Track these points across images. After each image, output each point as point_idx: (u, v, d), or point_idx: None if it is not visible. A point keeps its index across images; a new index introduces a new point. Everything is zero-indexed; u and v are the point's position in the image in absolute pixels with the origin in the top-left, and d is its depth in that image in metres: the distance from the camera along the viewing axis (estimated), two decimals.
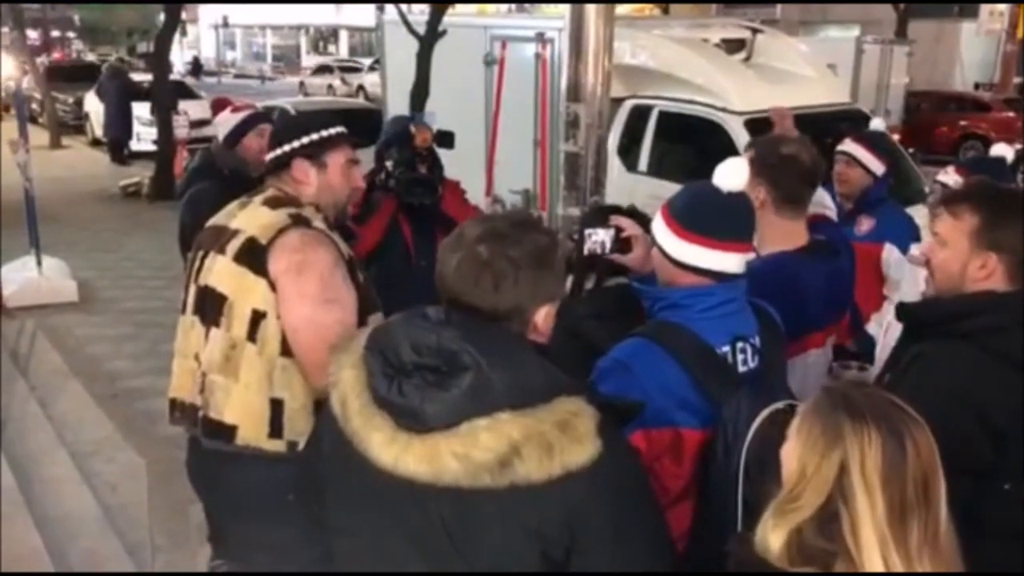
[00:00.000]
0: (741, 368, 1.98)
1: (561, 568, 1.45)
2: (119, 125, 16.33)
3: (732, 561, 1.42)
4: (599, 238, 2.22)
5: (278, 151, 2.47)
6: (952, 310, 2.02)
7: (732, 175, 2.00)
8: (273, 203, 2.40)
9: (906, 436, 1.33)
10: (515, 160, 7.66)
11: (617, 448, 1.49)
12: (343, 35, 37.80)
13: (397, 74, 9.24)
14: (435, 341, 1.45)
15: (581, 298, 2.35)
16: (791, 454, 1.39)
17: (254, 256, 2.29)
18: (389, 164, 3.59)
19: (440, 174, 3.76)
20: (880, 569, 1.27)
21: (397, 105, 8.83)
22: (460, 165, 7.69)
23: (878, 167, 4.04)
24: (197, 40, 41.64)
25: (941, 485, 1.34)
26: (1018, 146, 13.71)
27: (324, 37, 39.06)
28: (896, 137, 14.24)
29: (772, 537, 1.36)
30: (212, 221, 2.50)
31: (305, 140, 2.45)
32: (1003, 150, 3.75)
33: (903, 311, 2.17)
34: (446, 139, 3.99)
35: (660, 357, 1.92)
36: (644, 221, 2.29)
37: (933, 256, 2.09)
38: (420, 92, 8.61)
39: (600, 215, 2.35)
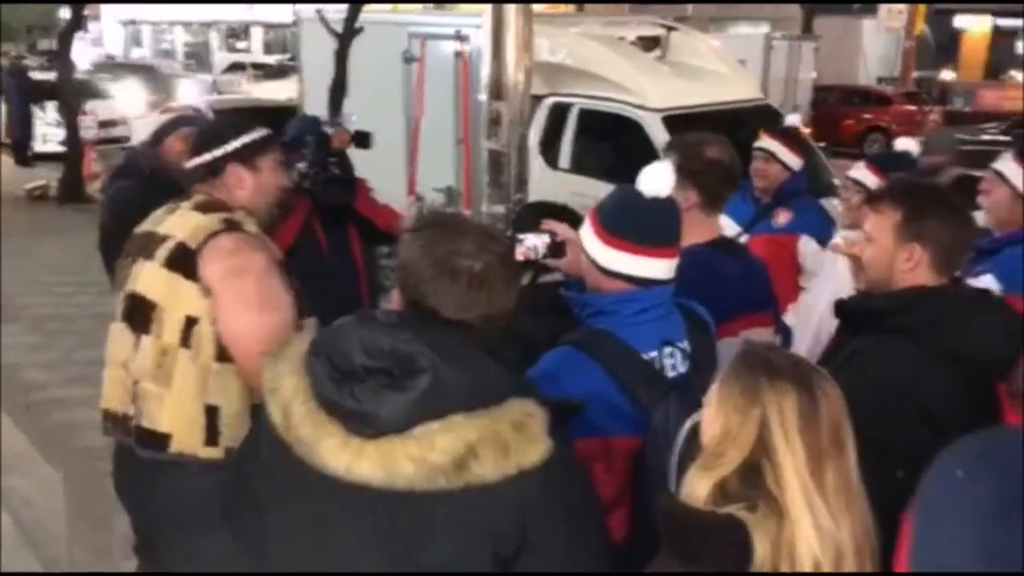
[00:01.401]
0: (670, 373, 2.00)
1: (510, 566, 1.47)
2: (21, 126, 15.71)
3: (660, 513, 1.47)
4: (532, 243, 2.22)
5: (207, 156, 2.41)
6: (885, 306, 2.09)
7: (658, 181, 2.01)
8: (204, 208, 2.35)
9: (817, 389, 1.42)
10: (437, 158, 7.65)
11: (565, 446, 1.52)
12: (256, 32, 37.02)
13: (314, 72, 9.12)
14: (389, 344, 1.45)
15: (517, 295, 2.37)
16: (713, 418, 1.46)
17: (185, 261, 2.25)
18: (302, 165, 3.55)
19: (352, 174, 3.76)
20: (804, 510, 1.37)
21: (315, 103, 8.71)
22: (381, 164, 7.67)
23: (795, 161, 4.16)
24: (102, 37, 40.30)
25: (850, 434, 1.43)
26: (919, 138, 14.21)
27: (236, 34, 38.20)
28: (807, 131, 14.71)
29: (698, 487, 1.42)
30: (140, 227, 2.44)
31: (238, 144, 2.41)
32: (907, 144, 3.90)
33: (840, 307, 2.24)
34: (363, 140, 3.98)
35: (588, 366, 1.93)
36: (576, 220, 2.32)
37: (862, 253, 2.17)
38: (338, 90, 8.52)
39: (531, 215, 2.37)
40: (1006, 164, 2.91)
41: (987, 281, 2.66)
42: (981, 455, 0.82)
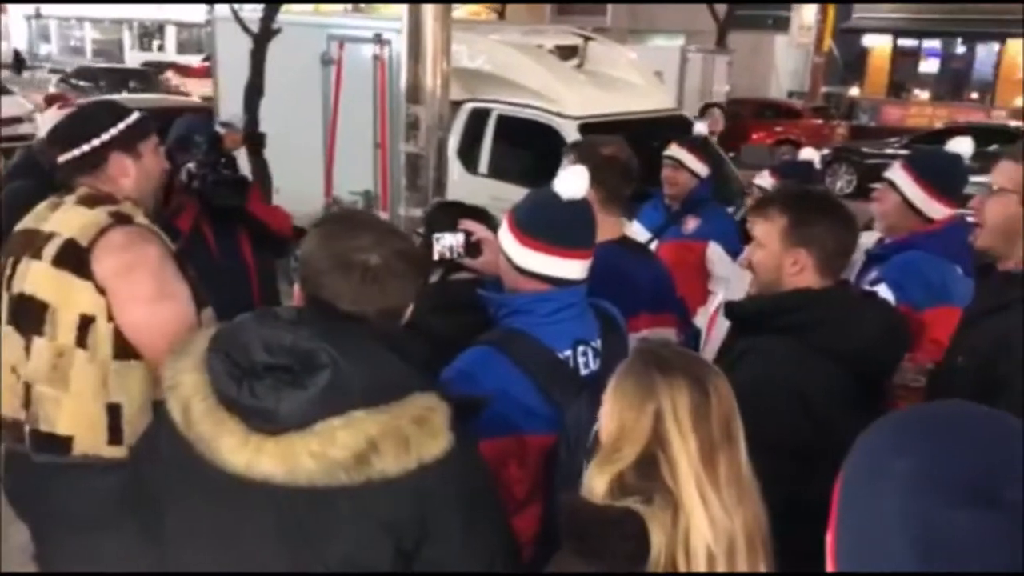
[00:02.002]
0: (583, 371, 2.05)
1: (411, 559, 1.48)
2: None
3: (559, 510, 1.50)
4: (448, 242, 2.24)
5: (85, 147, 2.29)
6: (771, 307, 2.18)
7: (573, 183, 2.06)
8: (89, 202, 2.26)
9: (709, 384, 1.48)
10: (355, 161, 7.60)
11: (467, 441, 1.54)
12: (170, 31, 36.14)
13: (229, 73, 8.96)
14: (290, 340, 1.44)
15: (426, 292, 2.38)
16: (609, 415, 1.51)
17: (76, 259, 2.17)
18: (192, 166, 3.49)
19: (243, 176, 3.72)
20: (697, 501, 1.42)
21: (230, 104, 8.56)
22: (298, 166, 7.63)
23: (702, 170, 4.29)
24: (7, 31, 38.78)
25: (740, 427, 1.49)
26: (825, 151, 14.67)
27: (149, 32, 37.22)
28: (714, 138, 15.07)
29: (596, 483, 1.47)
30: (21, 225, 2.33)
31: (117, 131, 2.32)
32: (810, 154, 4.08)
33: (729, 309, 2.33)
34: (257, 141, 3.94)
35: (503, 365, 1.97)
36: (492, 222, 2.35)
37: (752, 257, 2.25)
38: (253, 91, 8.38)
39: (446, 214, 2.39)
40: (896, 173, 3.05)
41: (882, 291, 2.80)
42: (907, 429, 0.85)
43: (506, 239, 2.10)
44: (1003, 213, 2.21)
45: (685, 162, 4.27)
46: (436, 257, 2.24)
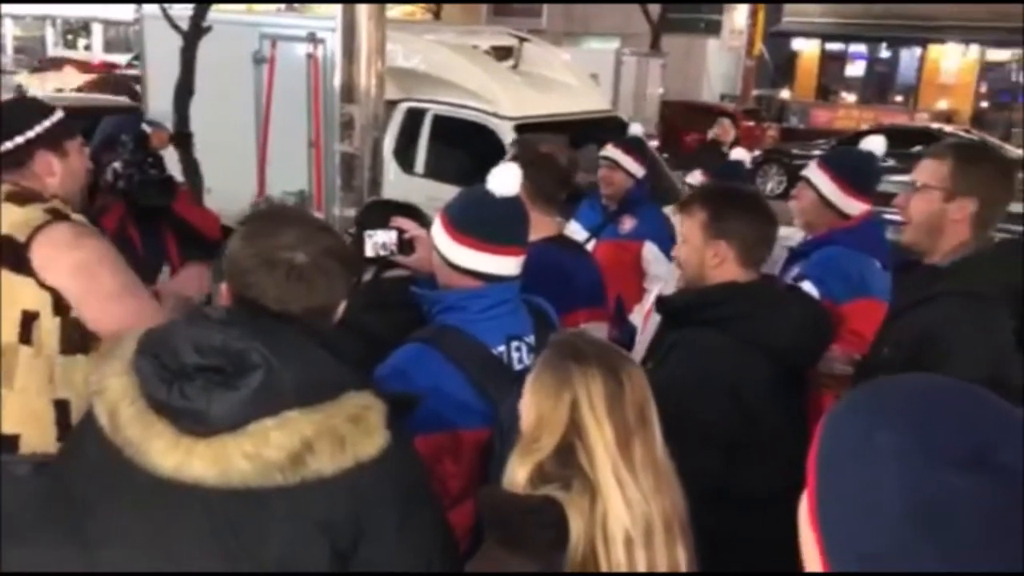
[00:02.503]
0: (517, 367, 2.06)
1: (347, 557, 1.47)
2: None
3: (480, 502, 1.54)
4: (380, 239, 2.23)
5: (9, 144, 2.25)
6: (697, 300, 2.25)
7: (505, 180, 2.07)
8: (18, 199, 2.21)
9: (622, 372, 1.53)
10: (289, 161, 7.51)
11: (402, 439, 1.53)
12: (97, 29, 35.17)
13: (159, 72, 8.76)
14: (220, 341, 1.42)
15: (359, 290, 2.37)
16: (529, 405, 1.54)
17: (12, 256, 2.13)
18: (118, 165, 3.41)
19: (171, 176, 3.65)
20: (614, 486, 1.46)
21: (159, 104, 8.38)
22: (230, 166, 7.49)
23: (638, 170, 4.35)
24: None
25: (655, 413, 1.54)
26: (757, 152, 14.95)
27: (74, 30, 36.19)
28: (654, 144, 15.26)
29: (517, 473, 1.50)
30: None
31: (43, 128, 2.28)
32: (740, 154, 4.16)
33: (659, 304, 2.40)
34: (184, 141, 3.88)
35: (437, 361, 1.98)
36: (424, 219, 2.35)
37: (678, 253, 2.34)
38: (183, 90, 8.21)
39: (378, 212, 2.38)
40: (813, 171, 3.15)
41: (805, 287, 2.88)
42: (888, 402, 0.87)
43: (439, 236, 2.10)
44: (926, 210, 2.28)
45: (621, 162, 4.32)
46: (369, 254, 2.23)
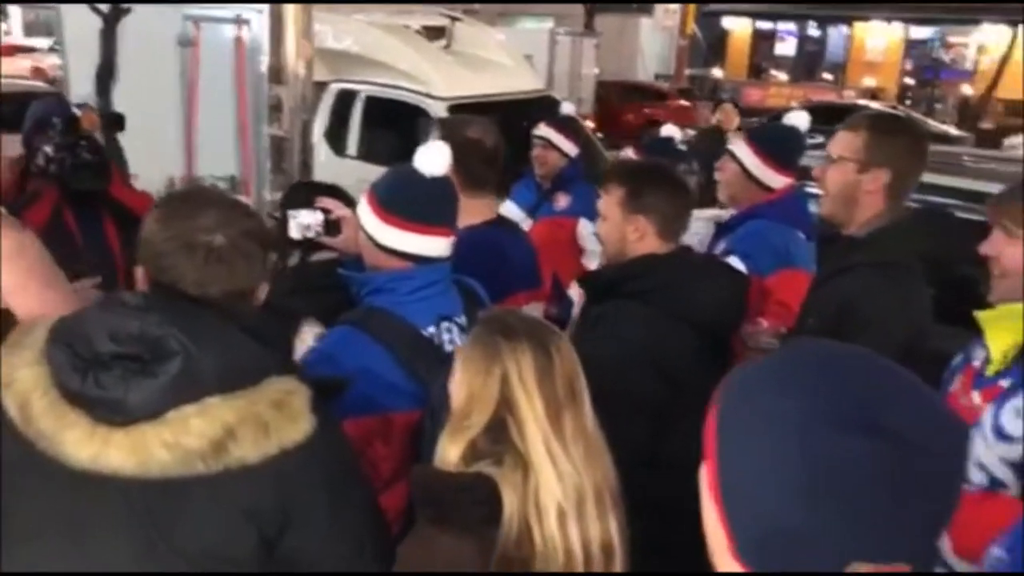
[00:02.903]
0: (448, 347, 2.04)
1: (274, 544, 1.44)
2: None
3: (412, 481, 1.53)
4: (305, 221, 2.19)
5: None
6: (618, 274, 2.28)
7: (433, 160, 2.04)
8: None
9: (551, 346, 1.54)
10: (219, 145, 7.30)
11: (328, 423, 1.51)
12: (15, 11, 33.95)
13: (80, 55, 8.48)
14: (137, 328, 1.37)
15: (285, 274, 2.32)
16: (459, 383, 1.54)
17: None
18: (49, 149, 3.30)
19: (105, 158, 3.55)
20: (545, 458, 1.47)
21: (80, 87, 8.12)
22: (156, 151, 7.29)
23: (571, 148, 4.36)
24: None
25: (584, 386, 1.55)
26: (690, 131, 15.08)
27: None
28: (590, 124, 15.32)
29: (449, 452, 1.51)
30: None
31: None
32: (671, 130, 4.18)
33: (581, 279, 2.43)
34: (116, 122, 3.76)
35: (366, 344, 1.95)
36: (350, 200, 2.31)
37: (600, 229, 2.38)
38: (105, 73, 7.97)
39: (302, 193, 2.33)
40: (736, 144, 3.20)
41: (733, 263, 2.91)
42: (786, 370, 0.88)
43: (366, 217, 2.06)
44: (842, 181, 2.33)
45: (554, 141, 4.32)
46: (294, 236, 2.19)
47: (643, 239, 2.29)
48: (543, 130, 4.36)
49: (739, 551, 0.87)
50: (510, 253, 2.75)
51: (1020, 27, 20.49)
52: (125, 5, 7.76)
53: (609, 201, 2.33)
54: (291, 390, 1.44)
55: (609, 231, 2.35)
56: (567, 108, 5.00)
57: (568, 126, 4.47)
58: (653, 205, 2.28)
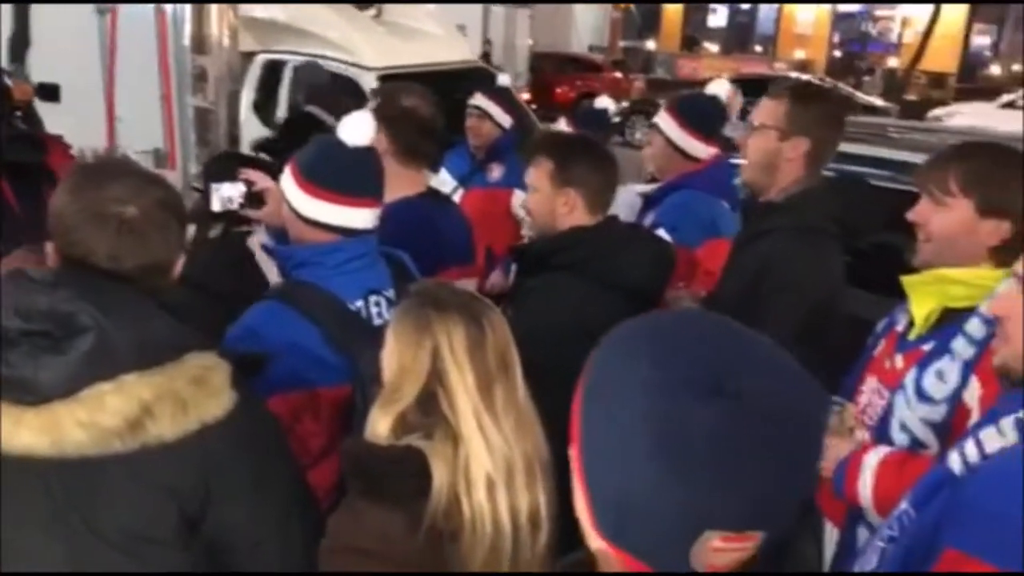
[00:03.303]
0: (376, 321, 2.02)
1: (197, 522, 1.42)
2: None
3: (342, 455, 1.52)
4: (227, 193, 2.14)
5: None
6: (549, 247, 2.29)
7: (357, 130, 2.00)
8: None
9: (483, 318, 1.53)
10: (142, 117, 7.11)
11: (250, 398, 1.49)
12: None
13: None
14: (47, 304, 1.33)
15: (207, 248, 2.26)
16: (390, 355, 1.53)
17: None
18: None
19: (41, 129, 3.43)
20: (475, 430, 1.47)
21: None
22: (76, 124, 7.03)
23: (505, 119, 4.34)
24: None
25: (516, 358, 1.55)
26: (624, 103, 15.09)
27: None
28: (525, 96, 15.27)
29: (379, 425, 1.49)
30: None
31: None
32: (604, 102, 4.18)
33: (513, 252, 2.43)
34: (50, 93, 3.63)
35: (292, 318, 1.92)
36: (273, 171, 2.25)
37: (528, 202, 2.38)
38: (19, 43, 7.66)
39: (225, 165, 2.27)
40: (661, 117, 3.22)
41: (660, 235, 2.93)
42: (636, 339, 0.88)
43: (290, 188, 2.02)
44: (763, 148, 2.37)
45: (489, 111, 4.30)
46: (215, 208, 2.13)
47: (572, 212, 2.31)
48: (478, 99, 4.34)
49: (599, 525, 0.87)
50: (442, 228, 2.72)
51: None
52: None
53: (538, 174, 2.33)
54: (210, 366, 1.42)
55: (538, 203, 2.35)
56: (503, 79, 4.97)
57: (503, 97, 4.45)
58: (582, 178, 2.30)
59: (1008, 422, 1.38)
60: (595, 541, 0.88)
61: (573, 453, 0.90)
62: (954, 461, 1.43)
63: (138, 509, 1.37)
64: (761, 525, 0.82)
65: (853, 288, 2.46)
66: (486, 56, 14.37)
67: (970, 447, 1.41)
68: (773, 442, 0.79)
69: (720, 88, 3.24)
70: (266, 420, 1.57)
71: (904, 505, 1.42)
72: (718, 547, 0.81)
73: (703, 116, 3.17)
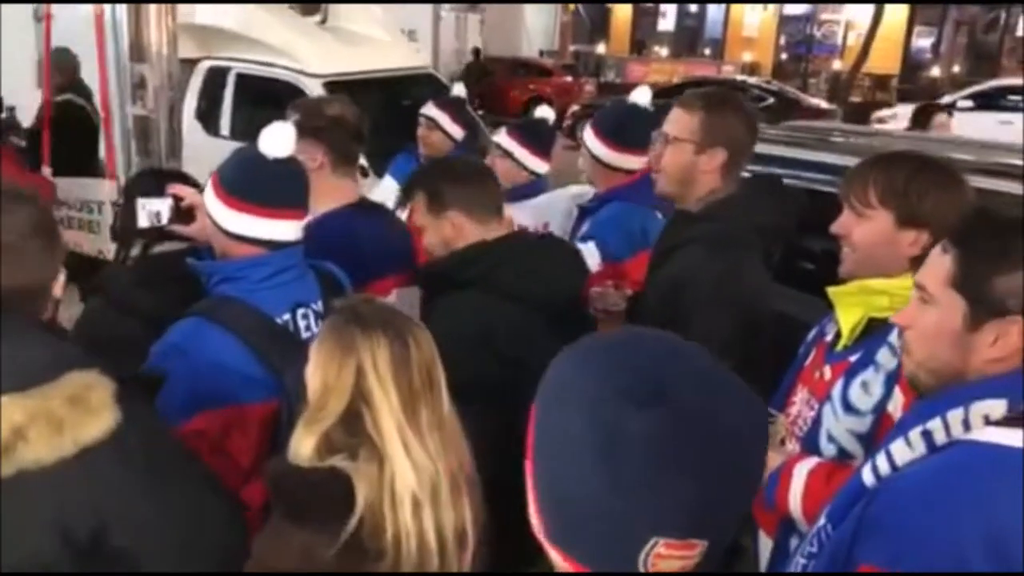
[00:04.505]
0: (304, 334, 2.00)
1: (92, 551, 1.37)
2: None
3: (266, 477, 1.51)
4: (155, 208, 2.10)
5: None
6: (450, 266, 2.23)
7: (278, 141, 1.98)
8: None
9: (408, 335, 1.52)
10: None
11: (139, 414, 1.45)
12: None
13: None
14: None
15: (127, 267, 2.22)
16: (314, 372, 1.51)
17: None
18: None
19: None
20: (400, 449, 1.46)
21: None
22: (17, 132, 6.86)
23: (457, 131, 4.26)
24: None
25: (441, 373, 1.55)
26: (574, 107, 15.09)
27: None
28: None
29: (303, 445, 1.47)
30: None
31: None
32: (545, 112, 4.15)
33: (417, 274, 2.42)
34: None
35: (217, 335, 1.89)
36: (201, 187, 2.22)
37: (424, 243, 2.33)
38: None
39: (150, 180, 2.23)
40: (587, 133, 3.16)
41: (589, 248, 2.92)
42: (584, 355, 0.91)
43: (212, 202, 2.00)
44: (679, 162, 2.35)
45: (439, 122, 4.24)
46: (142, 224, 2.09)
47: (463, 233, 2.24)
48: (429, 109, 4.27)
49: (548, 532, 0.90)
50: (374, 237, 2.69)
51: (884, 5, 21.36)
52: None
53: (417, 210, 2.29)
54: (90, 384, 1.38)
55: (430, 239, 2.29)
56: (458, 90, 4.92)
57: (455, 108, 4.40)
58: (455, 197, 2.24)
59: (915, 434, 1.39)
60: (550, 552, 0.90)
61: (527, 464, 0.92)
62: (867, 474, 1.44)
63: (14, 540, 1.32)
64: (702, 534, 0.84)
65: (785, 287, 2.46)
66: None
67: (881, 460, 1.43)
68: (709, 452, 0.82)
69: (642, 96, 3.20)
70: (159, 435, 1.53)
71: (822, 520, 1.43)
72: (662, 554, 0.83)
73: (623, 129, 3.08)
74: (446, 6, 18.73)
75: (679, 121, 2.34)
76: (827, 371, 1.99)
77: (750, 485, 0.88)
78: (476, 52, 19.59)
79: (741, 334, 2.17)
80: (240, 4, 7.11)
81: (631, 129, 3.06)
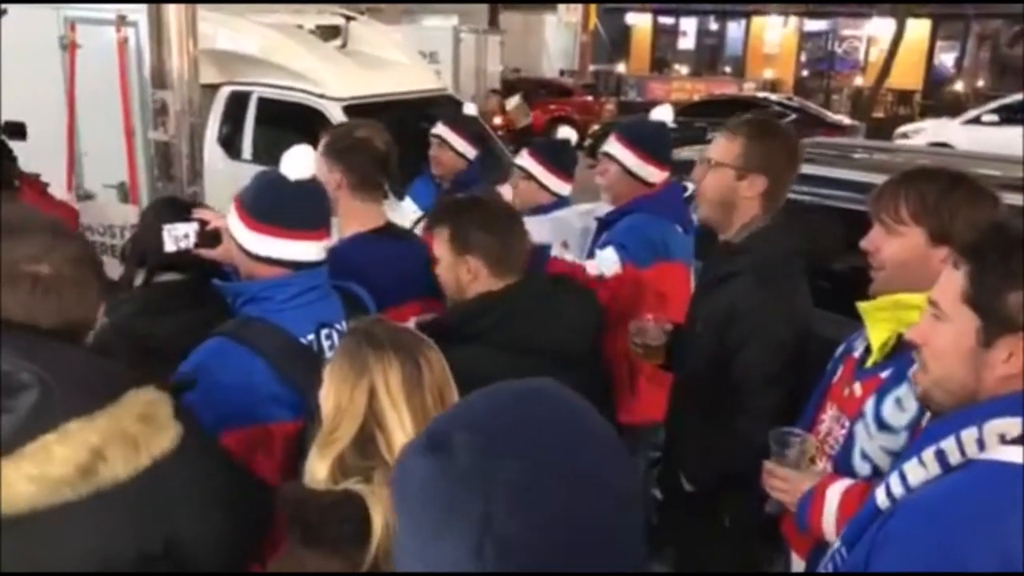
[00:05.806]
0: (329, 354, 1.98)
1: (160, 557, 1.41)
2: None
3: (279, 500, 1.49)
4: (182, 232, 2.12)
5: None
6: (457, 318, 2.21)
7: (299, 163, 2.01)
8: None
9: (420, 356, 1.51)
10: (107, 152, 7.05)
11: (193, 426, 1.50)
12: None
13: None
14: None
15: (130, 295, 2.23)
16: (327, 394, 1.50)
17: None
18: None
19: (15, 167, 3.38)
20: None
21: None
22: (42, 159, 6.96)
23: (468, 150, 4.29)
24: None
25: (454, 393, 1.53)
26: (596, 127, 15.16)
27: None
28: (498, 121, 15.30)
29: (318, 468, 1.47)
30: None
31: None
32: (567, 133, 4.13)
33: (421, 326, 2.35)
34: (17, 131, 3.59)
35: (242, 355, 1.90)
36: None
37: (437, 273, 2.29)
38: None
39: (172, 209, 2.25)
40: (612, 144, 3.19)
41: (609, 252, 2.94)
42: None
43: (235, 225, 2.03)
44: (719, 186, 2.35)
45: (450, 141, 4.26)
46: (169, 248, 2.11)
47: (477, 278, 2.22)
48: (439, 128, 4.31)
49: None
50: (399, 261, 2.66)
51: (906, 20, 21.28)
52: (3, 5, 7.42)
53: (438, 242, 2.26)
54: (154, 401, 1.42)
55: (443, 273, 2.27)
56: (469, 108, 4.94)
57: (465, 126, 4.41)
58: (479, 243, 2.20)
59: (929, 454, 1.36)
60: None
61: None
62: (880, 496, 1.42)
63: (96, 556, 1.35)
64: None
65: (827, 312, 2.45)
66: None
67: (895, 481, 1.40)
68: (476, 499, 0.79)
69: (665, 114, 3.24)
70: (212, 446, 1.60)
71: (837, 543, 1.40)
72: None
73: (654, 141, 3.16)
74: (466, 28, 18.89)
75: (722, 146, 2.36)
76: (857, 388, 1.97)
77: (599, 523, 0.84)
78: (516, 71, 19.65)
79: (787, 366, 2.17)
80: (263, 30, 7.19)
81: (656, 141, 3.14)
